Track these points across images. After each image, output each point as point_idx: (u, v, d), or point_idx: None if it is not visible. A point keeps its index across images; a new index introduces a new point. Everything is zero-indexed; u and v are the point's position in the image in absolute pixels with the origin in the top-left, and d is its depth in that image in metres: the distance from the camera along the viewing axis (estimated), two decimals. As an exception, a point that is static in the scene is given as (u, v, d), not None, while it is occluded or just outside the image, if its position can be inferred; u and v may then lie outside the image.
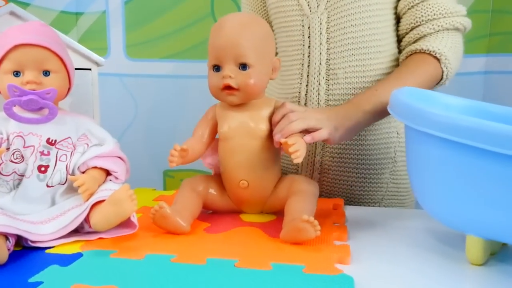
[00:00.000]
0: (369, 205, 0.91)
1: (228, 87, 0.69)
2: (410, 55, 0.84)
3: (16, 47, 0.65)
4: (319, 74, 0.86)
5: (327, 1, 0.84)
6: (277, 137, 0.68)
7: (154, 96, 1.78)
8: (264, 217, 0.75)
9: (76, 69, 0.79)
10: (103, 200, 0.63)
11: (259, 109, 0.72)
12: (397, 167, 0.92)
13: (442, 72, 0.82)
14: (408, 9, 0.84)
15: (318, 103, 0.87)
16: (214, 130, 0.75)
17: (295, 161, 0.64)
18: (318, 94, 0.87)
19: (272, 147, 0.71)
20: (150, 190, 0.98)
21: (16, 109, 0.66)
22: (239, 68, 0.69)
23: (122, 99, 1.74)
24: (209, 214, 0.78)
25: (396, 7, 0.87)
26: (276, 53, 0.91)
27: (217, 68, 0.70)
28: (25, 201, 0.65)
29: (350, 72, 0.86)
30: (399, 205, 0.94)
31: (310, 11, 0.85)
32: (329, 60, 0.85)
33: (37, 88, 0.66)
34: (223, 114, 0.73)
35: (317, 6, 0.85)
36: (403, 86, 0.73)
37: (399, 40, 0.89)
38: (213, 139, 0.76)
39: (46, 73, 0.68)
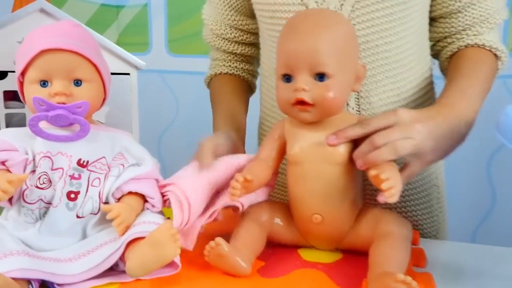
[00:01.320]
0: None
1: (301, 102, 0.56)
2: (464, 48, 0.71)
3: (42, 52, 0.55)
4: (347, 104, 0.69)
5: (352, 10, 0.64)
6: (359, 164, 0.55)
7: (197, 95, 1.66)
8: (328, 256, 0.63)
9: (113, 73, 0.70)
10: (141, 237, 0.53)
11: (337, 127, 0.58)
12: (440, 193, 0.78)
13: (497, 69, 0.72)
14: (464, 8, 0.69)
15: None
16: (282, 152, 0.62)
17: (389, 200, 0.51)
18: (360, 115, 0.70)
19: (353, 175, 0.58)
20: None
21: (43, 125, 0.56)
22: (315, 78, 0.56)
23: (163, 97, 1.66)
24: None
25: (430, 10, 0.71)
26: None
27: (287, 78, 0.57)
28: (52, 233, 0.55)
29: (386, 98, 0.69)
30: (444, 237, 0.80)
31: None
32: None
33: (67, 101, 0.56)
34: (293, 132, 0.60)
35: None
36: (484, 88, 0.66)
37: (438, 39, 0.74)
38: (280, 162, 0.64)
39: (77, 82, 0.58)
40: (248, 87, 0.87)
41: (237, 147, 0.70)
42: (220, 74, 0.85)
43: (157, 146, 1.68)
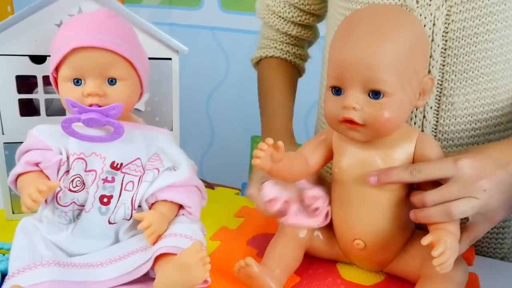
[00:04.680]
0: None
1: (350, 121, 0.49)
2: None
3: (74, 50, 0.52)
4: (426, 103, 0.60)
5: None
6: (411, 216, 0.49)
7: (248, 54, 1.60)
8: (369, 276, 0.59)
9: (153, 58, 0.65)
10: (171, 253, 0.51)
11: (392, 145, 0.51)
12: None
13: None
14: None
15: None
16: (325, 158, 0.56)
17: (439, 271, 0.46)
18: (422, 131, 0.60)
19: (405, 202, 0.51)
20: (231, 193, 0.85)
21: (76, 125, 0.54)
22: (368, 95, 0.48)
23: (213, 55, 1.60)
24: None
25: None
26: None
27: (337, 90, 0.50)
28: (84, 236, 0.55)
29: (474, 100, 0.58)
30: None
31: (417, 2, 0.57)
32: (443, 82, 0.58)
33: (100, 102, 0.53)
34: (341, 146, 0.54)
35: None
36: None
37: None
38: (321, 167, 0.58)
39: (112, 81, 0.54)
40: (297, 73, 0.82)
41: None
42: (271, 57, 0.79)
43: (206, 105, 1.66)
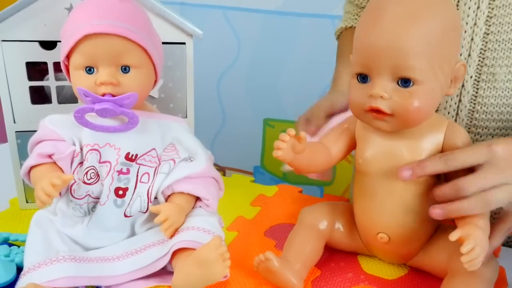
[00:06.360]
0: None
1: (377, 110, 0.46)
2: None
3: (86, 37, 0.49)
4: (466, 72, 0.57)
5: None
6: (436, 213, 0.46)
7: (260, 35, 1.56)
8: (392, 270, 0.57)
9: (167, 43, 0.63)
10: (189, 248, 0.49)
11: (421, 135, 0.48)
12: None
13: None
14: None
15: (457, 116, 0.59)
16: (347, 148, 0.54)
17: (468, 269, 0.44)
18: (459, 102, 0.58)
19: (431, 194, 0.49)
20: (247, 180, 0.83)
21: (89, 115, 0.52)
22: (397, 83, 0.45)
23: (224, 35, 1.56)
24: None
25: None
26: None
27: (363, 77, 0.47)
28: (100, 229, 0.53)
29: None
30: None
31: None
32: (485, 51, 0.56)
33: (114, 91, 0.51)
34: (364, 135, 0.52)
35: None
36: None
37: None
38: (343, 157, 0.56)
39: (125, 69, 0.52)
40: None
41: None
42: (350, 27, 0.76)
43: (216, 87, 1.63)
